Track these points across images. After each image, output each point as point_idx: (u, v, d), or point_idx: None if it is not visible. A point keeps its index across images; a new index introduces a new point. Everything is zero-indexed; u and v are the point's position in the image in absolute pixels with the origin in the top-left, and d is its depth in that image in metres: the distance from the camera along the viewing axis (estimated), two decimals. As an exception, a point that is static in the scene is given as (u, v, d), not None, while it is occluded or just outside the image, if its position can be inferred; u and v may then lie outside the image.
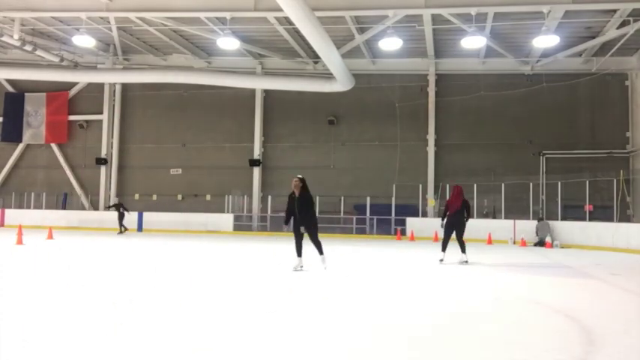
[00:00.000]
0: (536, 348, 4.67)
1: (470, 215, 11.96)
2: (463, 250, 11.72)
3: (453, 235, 11.80)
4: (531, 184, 21.64)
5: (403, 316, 6.06)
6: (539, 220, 19.68)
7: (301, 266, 9.80)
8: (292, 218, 9.83)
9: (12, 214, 26.40)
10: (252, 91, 25.72)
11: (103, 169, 27.21)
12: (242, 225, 25.12)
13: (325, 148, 25.48)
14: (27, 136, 28.40)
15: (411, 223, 22.32)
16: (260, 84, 25.34)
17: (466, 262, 11.47)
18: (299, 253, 9.85)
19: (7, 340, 4.51)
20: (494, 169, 23.02)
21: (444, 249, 11.82)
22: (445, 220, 11.84)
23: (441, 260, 11.67)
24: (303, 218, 9.60)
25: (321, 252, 9.85)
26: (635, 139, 22.57)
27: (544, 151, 23.20)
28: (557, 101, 23.33)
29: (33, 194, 27.33)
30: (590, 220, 18.95)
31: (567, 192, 20.44)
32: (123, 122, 27.62)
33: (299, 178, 9.69)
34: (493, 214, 22.46)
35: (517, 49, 22.38)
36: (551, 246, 18.13)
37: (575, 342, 4.92)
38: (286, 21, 19.17)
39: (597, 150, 22.70)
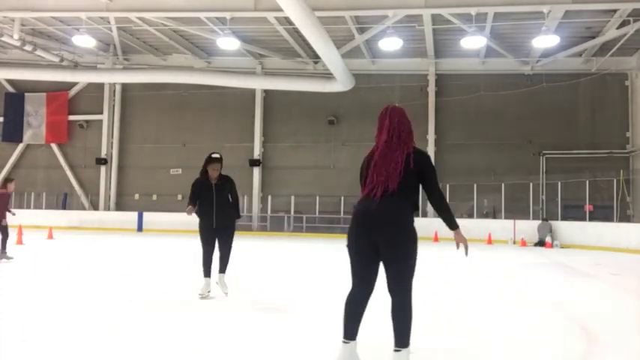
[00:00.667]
0: (536, 348, 4.67)
1: (438, 198, 3.79)
2: (401, 334, 3.62)
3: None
4: (531, 184, 21.64)
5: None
6: (543, 220, 19.66)
7: None
8: None
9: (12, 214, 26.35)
10: (252, 91, 25.71)
11: (103, 169, 27.20)
12: (242, 225, 25.07)
13: (325, 148, 25.46)
14: (27, 136, 28.39)
15: (411, 223, 22.26)
16: (260, 84, 25.33)
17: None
18: None
19: (7, 340, 4.51)
20: (494, 169, 22.99)
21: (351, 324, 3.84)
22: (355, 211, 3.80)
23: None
24: None
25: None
26: (635, 139, 22.56)
27: (544, 151, 23.19)
28: (557, 101, 23.31)
29: (33, 194, 27.32)
30: (590, 220, 18.95)
31: (567, 192, 20.43)
32: (123, 122, 27.61)
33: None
34: (493, 214, 22.46)
35: (517, 49, 22.37)
36: (551, 246, 18.14)
37: (575, 342, 4.92)
38: (286, 21, 19.16)
39: (597, 150, 22.69)
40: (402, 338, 3.60)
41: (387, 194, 3.59)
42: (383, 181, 3.64)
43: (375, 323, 4.38)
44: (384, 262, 3.64)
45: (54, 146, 28.10)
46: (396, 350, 3.60)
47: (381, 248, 3.59)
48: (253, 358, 4.21)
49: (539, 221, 19.70)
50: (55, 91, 27.84)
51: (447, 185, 21.01)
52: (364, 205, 3.69)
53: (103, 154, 27.17)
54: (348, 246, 3.77)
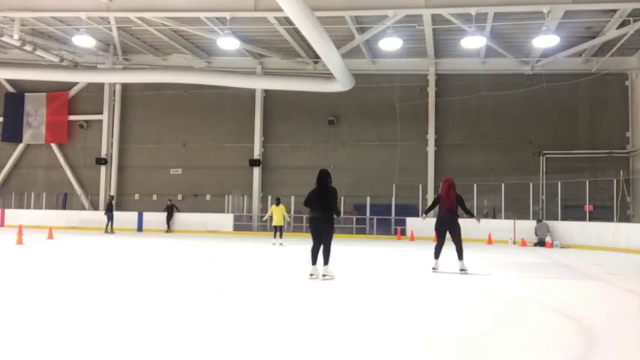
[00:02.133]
0: (536, 348, 4.67)
1: (468, 210, 10.18)
2: (461, 256, 9.72)
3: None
4: (531, 184, 21.63)
5: (401, 315, 6.06)
6: (538, 221, 19.65)
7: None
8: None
9: (12, 214, 26.39)
10: (252, 91, 25.72)
11: (103, 169, 27.22)
12: (242, 225, 25.10)
13: (325, 148, 25.47)
14: (27, 136, 28.41)
15: (411, 223, 22.31)
16: (260, 84, 25.34)
17: (465, 270, 9.62)
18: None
19: (7, 340, 4.51)
20: (494, 169, 23.01)
21: (437, 255, 9.96)
22: (436, 219, 10.20)
23: (434, 269, 9.87)
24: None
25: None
26: (635, 139, 22.56)
27: (544, 151, 23.19)
28: (557, 101, 23.33)
29: (33, 194, 27.32)
30: (590, 220, 18.94)
31: (567, 192, 20.42)
32: (123, 122, 27.63)
33: None
34: (493, 214, 22.44)
35: (517, 49, 22.38)
36: (552, 246, 18.13)
37: (575, 342, 4.92)
38: (286, 21, 19.17)
39: (597, 150, 22.69)
40: (460, 257, 9.64)
41: (449, 210, 9.89)
42: (449, 204, 9.86)
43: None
44: (452, 234, 9.78)
45: (54, 146, 28.12)
46: (460, 260, 9.63)
47: (450, 229, 9.82)
48: (252, 357, 4.21)
49: (536, 222, 19.63)
50: (55, 91, 27.86)
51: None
52: (444, 214, 9.94)
53: (103, 154, 27.18)
54: (437, 230, 10.05)
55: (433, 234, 20.56)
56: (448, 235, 9.89)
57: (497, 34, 20.78)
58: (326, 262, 8.66)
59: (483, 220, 21.45)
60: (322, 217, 8.90)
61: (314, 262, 8.66)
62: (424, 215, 11.31)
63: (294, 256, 13.29)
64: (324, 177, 9.15)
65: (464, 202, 10.06)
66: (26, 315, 5.62)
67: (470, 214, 10.30)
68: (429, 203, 23.07)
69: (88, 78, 25.90)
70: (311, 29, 16.25)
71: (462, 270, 9.59)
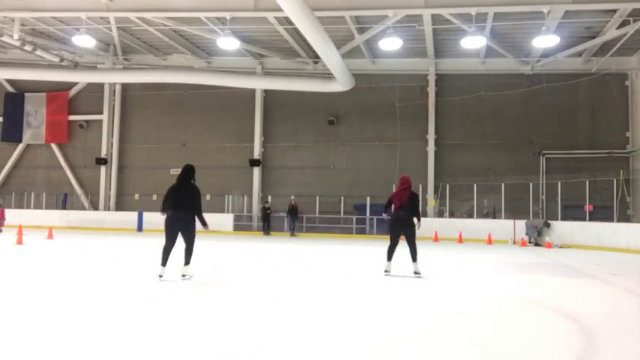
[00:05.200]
0: (536, 348, 4.67)
1: (419, 214, 9.25)
2: (414, 258, 9.10)
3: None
4: (531, 184, 21.62)
5: (401, 315, 6.06)
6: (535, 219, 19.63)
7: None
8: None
9: (12, 214, 26.34)
10: (252, 91, 25.72)
11: (103, 169, 27.21)
12: (242, 225, 25.10)
13: (325, 148, 25.47)
14: (27, 136, 28.40)
15: (411, 223, 22.22)
16: (260, 84, 25.34)
17: (419, 274, 8.97)
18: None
19: (7, 340, 4.51)
20: (494, 169, 22.99)
21: (389, 257, 9.29)
22: (390, 217, 9.49)
23: (387, 272, 9.22)
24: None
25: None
26: (635, 139, 22.56)
27: (544, 151, 23.19)
28: (557, 101, 23.33)
29: (33, 194, 27.32)
30: (590, 220, 18.93)
31: (567, 192, 20.42)
32: (123, 122, 27.62)
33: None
34: (493, 214, 22.44)
35: (517, 49, 22.38)
36: (551, 246, 18.12)
37: (575, 342, 4.92)
38: (286, 21, 19.17)
39: (597, 150, 22.68)
40: (414, 259, 9.08)
41: (401, 207, 9.03)
42: (401, 201, 9.00)
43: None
44: (405, 236, 9.02)
45: (54, 146, 28.11)
46: (413, 261, 9.03)
47: (403, 228, 9.07)
48: (251, 356, 4.22)
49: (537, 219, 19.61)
50: (55, 91, 27.85)
51: (447, 185, 21.05)
52: (395, 210, 9.11)
53: (103, 154, 27.18)
54: (390, 228, 9.33)
55: (433, 234, 20.56)
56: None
57: (497, 34, 20.78)
58: (187, 262, 8.51)
59: (483, 220, 21.61)
60: (184, 218, 8.64)
61: (165, 262, 8.25)
62: (384, 215, 9.99)
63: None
64: (189, 173, 8.74)
65: (417, 204, 9.24)
66: (25, 315, 5.62)
67: (417, 218, 9.23)
68: (429, 203, 23.33)
69: (88, 78, 25.90)
70: (311, 29, 16.25)
71: (415, 273, 8.95)
